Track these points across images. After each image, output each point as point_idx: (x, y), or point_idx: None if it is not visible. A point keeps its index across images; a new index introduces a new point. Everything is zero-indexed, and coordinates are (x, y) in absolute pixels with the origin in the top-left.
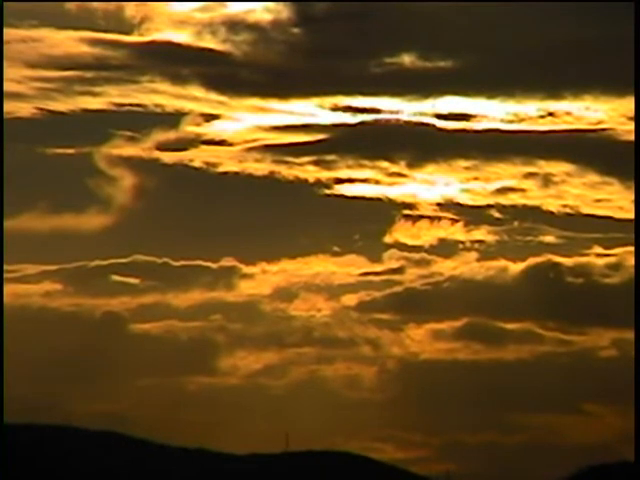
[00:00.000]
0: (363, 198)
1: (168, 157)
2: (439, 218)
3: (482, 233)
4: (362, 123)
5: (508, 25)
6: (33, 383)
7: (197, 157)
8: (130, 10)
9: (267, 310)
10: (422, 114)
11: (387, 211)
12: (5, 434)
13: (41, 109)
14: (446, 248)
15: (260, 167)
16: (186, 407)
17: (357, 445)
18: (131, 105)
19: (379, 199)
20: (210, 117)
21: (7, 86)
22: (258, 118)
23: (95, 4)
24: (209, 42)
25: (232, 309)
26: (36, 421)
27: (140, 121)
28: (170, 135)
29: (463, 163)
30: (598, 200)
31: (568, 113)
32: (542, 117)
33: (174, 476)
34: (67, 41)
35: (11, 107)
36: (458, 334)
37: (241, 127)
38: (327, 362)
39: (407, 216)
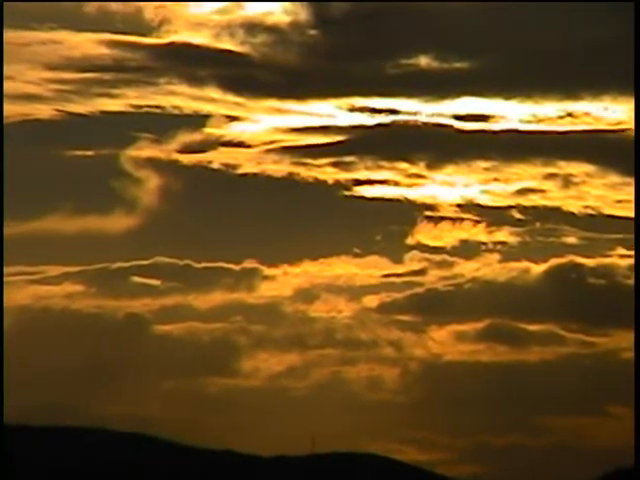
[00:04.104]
0: (383, 199)
1: (187, 159)
2: (461, 219)
3: (504, 234)
4: (380, 124)
5: (526, 25)
6: (54, 385)
7: (216, 159)
8: (149, 12)
9: (288, 312)
10: (440, 115)
11: (408, 212)
12: (31, 437)
13: (60, 111)
14: (468, 249)
15: (279, 169)
16: (209, 409)
17: (382, 447)
18: (149, 107)
19: (399, 200)
20: (229, 119)
21: (26, 88)
22: (276, 120)
23: (114, 6)
24: (227, 44)
25: (253, 311)
26: (61, 423)
27: (158, 123)
28: (189, 137)
29: (482, 164)
30: (619, 201)
31: (587, 114)
32: (561, 118)
33: (203, 478)
34: (86, 43)
35: (30, 109)
36: (480, 335)
37: (259, 129)
38: (349, 364)
39: (428, 217)
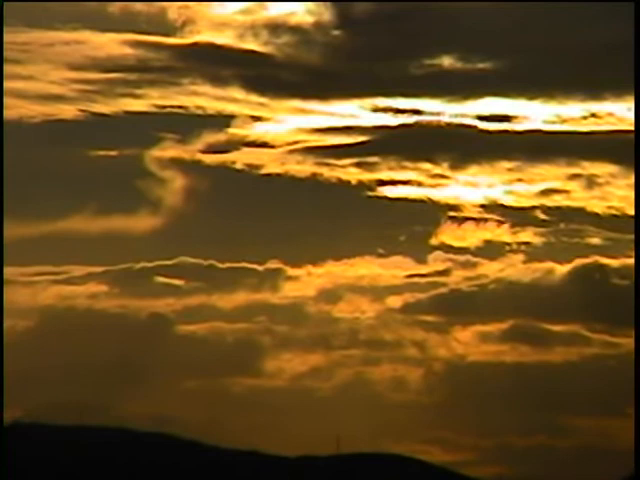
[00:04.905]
0: (406, 200)
1: (211, 159)
2: (485, 220)
3: (528, 235)
4: (403, 125)
5: (548, 26)
6: (78, 384)
7: (239, 159)
8: (172, 12)
9: (312, 312)
10: (463, 115)
11: (431, 213)
12: (53, 435)
13: (84, 111)
14: (492, 250)
15: (302, 169)
16: (233, 409)
17: (406, 447)
18: (173, 107)
19: (422, 201)
20: (252, 119)
21: (50, 88)
22: (299, 120)
23: (138, 7)
24: (251, 44)
25: (277, 311)
26: (84, 422)
27: (182, 123)
28: (213, 137)
29: (506, 164)
30: None
31: (610, 114)
32: (584, 118)
33: (227, 478)
34: (110, 43)
35: (54, 109)
36: (504, 336)
37: (282, 129)
38: (373, 364)
39: (452, 218)
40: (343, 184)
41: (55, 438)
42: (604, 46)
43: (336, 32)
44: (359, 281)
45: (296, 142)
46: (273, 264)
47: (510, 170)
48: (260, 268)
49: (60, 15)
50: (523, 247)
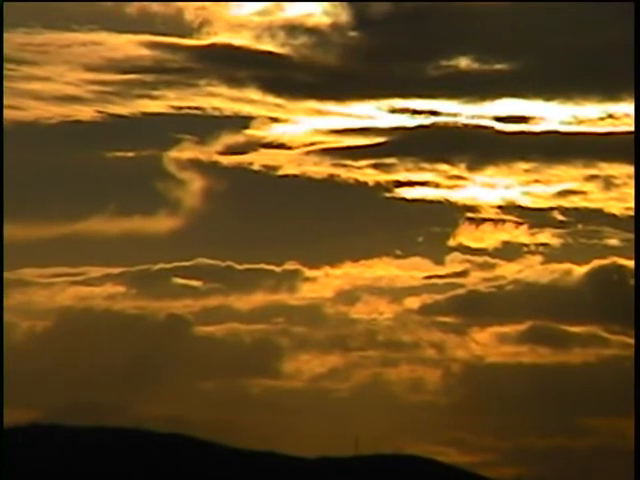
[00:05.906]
0: (424, 201)
1: (228, 160)
2: (503, 221)
3: (546, 236)
4: (420, 126)
5: (565, 26)
6: (95, 385)
7: (256, 160)
8: (189, 13)
9: (330, 313)
10: (480, 117)
11: (449, 214)
12: (69, 437)
13: (101, 112)
14: (510, 251)
15: (319, 170)
16: (250, 410)
17: (424, 448)
18: (189, 108)
19: (440, 202)
20: (269, 120)
21: (67, 89)
22: (316, 121)
23: (154, 7)
24: (267, 45)
25: (295, 312)
26: (102, 424)
27: (198, 124)
28: (230, 138)
29: (523, 165)
30: None
31: (627, 115)
32: (602, 119)
33: (245, 479)
34: (127, 45)
35: (71, 110)
36: (522, 337)
37: (299, 130)
38: (391, 365)
39: (470, 219)
40: (360, 185)
41: (72, 439)
42: (622, 47)
43: (353, 33)
44: (377, 282)
45: (313, 143)
46: (291, 265)
47: (527, 171)
48: (278, 269)
49: (77, 16)
50: (541, 248)
